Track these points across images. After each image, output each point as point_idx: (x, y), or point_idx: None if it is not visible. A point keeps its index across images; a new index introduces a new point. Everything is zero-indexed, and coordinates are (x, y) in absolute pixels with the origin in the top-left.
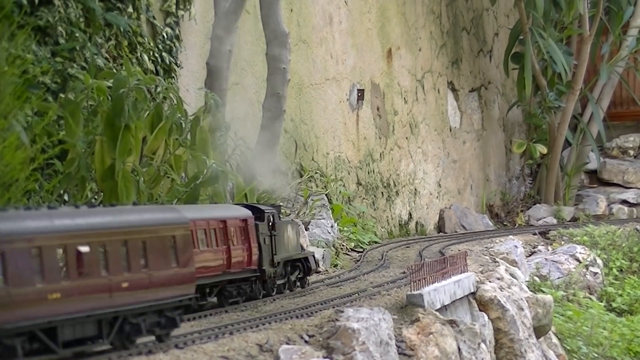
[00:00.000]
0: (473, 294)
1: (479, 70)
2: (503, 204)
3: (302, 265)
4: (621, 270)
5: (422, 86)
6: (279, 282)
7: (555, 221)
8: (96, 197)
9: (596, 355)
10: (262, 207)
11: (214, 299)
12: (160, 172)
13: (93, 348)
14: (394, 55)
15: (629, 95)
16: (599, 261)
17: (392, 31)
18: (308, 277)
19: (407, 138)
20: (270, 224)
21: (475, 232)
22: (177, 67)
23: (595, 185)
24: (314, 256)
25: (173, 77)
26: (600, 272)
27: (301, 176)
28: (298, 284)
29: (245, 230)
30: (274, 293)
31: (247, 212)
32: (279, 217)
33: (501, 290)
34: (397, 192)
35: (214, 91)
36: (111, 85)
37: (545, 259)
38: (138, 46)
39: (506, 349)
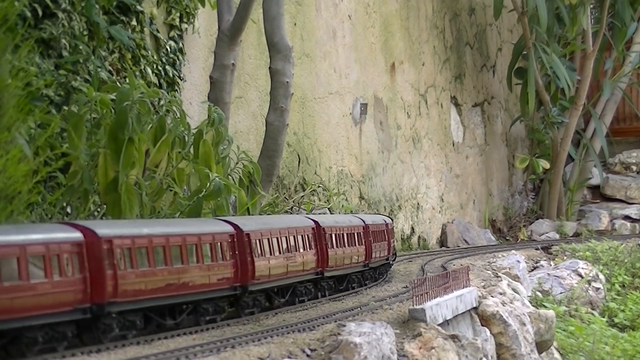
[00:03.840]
0: (475, 308)
1: (482, 85)
2: (505, 219)
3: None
4: (623, 285)
5: (425, 101)
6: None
7: (557, 236)
8: (99, 210)
9: None
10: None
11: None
12: (163, 185)
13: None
14: (397, 69)
15: (632, 111)
16: (601, 277)
17: (396, 46)
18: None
19: (409, 152)
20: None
21: (477, 246)
22: (181, 80)
23: (598, 201)
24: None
25: (176, 90)
26: (602, 288)
27: (304, 190)
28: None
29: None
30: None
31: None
32: None
33: (503, 305)
34: (399, 206)
35: (217, 104)
36: (114, 98)
37: (548, 274)
38: (142, 59)
39: None
